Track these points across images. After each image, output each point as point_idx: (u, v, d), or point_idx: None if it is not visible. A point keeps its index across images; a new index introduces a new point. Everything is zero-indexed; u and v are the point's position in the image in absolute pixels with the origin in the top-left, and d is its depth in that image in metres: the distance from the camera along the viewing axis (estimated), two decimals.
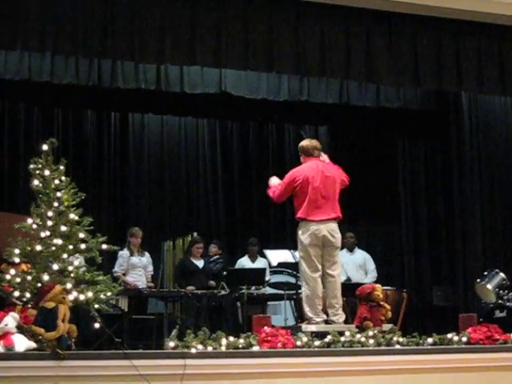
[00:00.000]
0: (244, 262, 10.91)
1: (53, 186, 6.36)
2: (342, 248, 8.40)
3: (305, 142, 8.16)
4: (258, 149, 12.67)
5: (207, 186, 12.34)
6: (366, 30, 9.53)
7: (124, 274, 10.17)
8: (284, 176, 8.01)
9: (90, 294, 6.07)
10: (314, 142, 8.17)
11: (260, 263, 10.77)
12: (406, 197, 12.72)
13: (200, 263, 10.54)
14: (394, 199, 12.73)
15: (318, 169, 7.88)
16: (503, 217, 11.60)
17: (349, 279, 10.51)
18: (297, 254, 8.76)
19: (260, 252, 10.83)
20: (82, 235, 6.32)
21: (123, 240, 10.30)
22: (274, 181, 8.12)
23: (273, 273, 10.73)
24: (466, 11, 9.54)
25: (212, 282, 10.31)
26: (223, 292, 10.08)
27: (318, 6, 9.27)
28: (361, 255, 11.05)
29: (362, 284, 8.75)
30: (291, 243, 9.88)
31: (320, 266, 7.71)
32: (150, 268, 10.50)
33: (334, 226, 7.79)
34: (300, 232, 7.78)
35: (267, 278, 10.49)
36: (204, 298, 10.03)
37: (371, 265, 10.99)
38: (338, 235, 7.82)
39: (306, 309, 7.68)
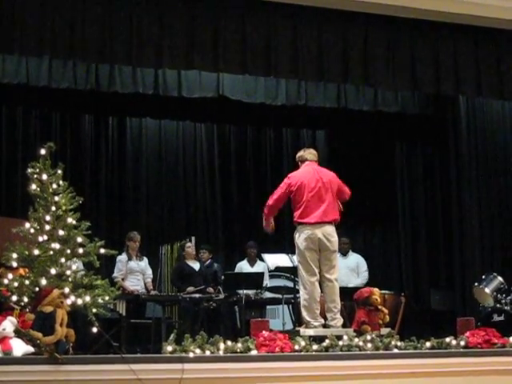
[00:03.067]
0: (243, 266, 10.91)
1: (50, 190, 6.35)
2: None
3: (300, 152, 8.36)
4: (255, 153, 12.66)
5: (205, 190, 12.32)
6: (364, 34, 9.54)
7: (123, 279, 10.16)
8: (280, 181, 8.08)
9: (87, 299, 6.06)
10: (310, 149, 8.43)
11: (259, 267, 10.78)
12: (404, 201, 12.73)
13: (196, 266, 10.56)
14: (391, 203, 12.73)
15: (314, 172, 8.01)
16: (501, 221, 11.60)
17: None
18: (295, 258, 8.78)
19: (258, 256, 10.84)
20: (79, 239, 6.31)
21: (121, 244, 10.31)
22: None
23: (271, 277, 10.73)
24: (463, 15, 9.55)
25: (211, 289, 10.29)
26: (220, 296, 10.07)
27: (315, 11, 9.28)
28: (354, 259, 11.04)
29: (359, 288, 8.75)
30: (289, 247, 9.88)
31: (317, 270, 7.74)
32: (149, 272, 10.50)
33: (331, 229, 7.82)
34: (296, 236, 7.84)
35: (265, 283, 10.49)
36: (202, 303, 10.03)
37: (363, 267, 10.98)
38: (335, 239, 7.84)
39: (304, 313, 7.70)
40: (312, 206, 7.79)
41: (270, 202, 8.01)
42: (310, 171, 8.00)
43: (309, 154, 8.22)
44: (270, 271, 10.50)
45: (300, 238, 7.78)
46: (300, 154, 8.29)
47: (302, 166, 8.15)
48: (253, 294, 10.16)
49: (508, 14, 9.63)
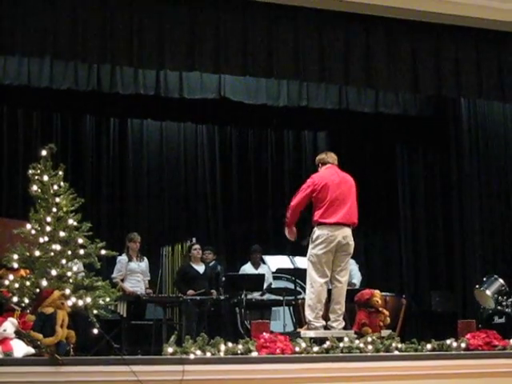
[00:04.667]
0: (247, 269, 10.88)
1: (51, 191, 6.35)
2: None
3: (321, 154, 8.29)
4: (257, 154, 12.67)
5: (206, 192, 12.33)
6: (365, 35, 9.55)
7: (122, 280, 10.16)
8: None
9: (88, 300, 6.05)
10: (331, 153, 8.31)
11: (263, 270, 10.73)
12: (405, 202, 12.72)
13: (201, 268, 10.54)
14: (392, 205, 12.72)
15: (338, 174, 7.99)
16: (502, 223, 11.60)
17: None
18: (296, 259, 8.77)
19: (261, 259, 10.83)
20: (80, 241, 6.31)
21: (122, 245, 10.31)
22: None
23: (272, 278, 10.73)
24: (464, 17, 9.56)
25: (214, 291, 10.29)
26: (221, 297, 10.08)
27: (316, 12, 9.29)
28: None
29: (360, 290, 8.75)
30: (290, 249, 9.87)
31: (329, 273, 7.71)
32: (148, 274, 10.48)
33: (349, 232, 7.80)
34: (315, 236, 7.76)
35: (270, 281, 10.49)
36: (203, 304, 10.03)
37: (353, 268, 10.80)
38: (352, 242, 7.82)
39: (307, 312, 7.68)
40: (335, 207, 7.75)
41: (294, 204, 7.90)
42: (333, 173, 7.98)
43: (330, 157, 8.14)
44: (272, 273, 10.50)
45: (318, 240, 7.71)
46: (322, 156, 8.23)
47: (323, 168, 8.08)
48: (253, 296, 10.16)
49: (509, 15, 9.63)
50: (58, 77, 10.65)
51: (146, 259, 10.49)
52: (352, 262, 10.63)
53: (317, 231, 7.78)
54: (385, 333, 7.55)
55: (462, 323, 7.70)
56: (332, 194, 7.78)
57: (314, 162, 8.34)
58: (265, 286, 10.33)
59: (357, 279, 10.79)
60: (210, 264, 10.83)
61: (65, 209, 6.35)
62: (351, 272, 10.60)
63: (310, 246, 7.81)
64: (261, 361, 6.24)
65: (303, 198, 7.88)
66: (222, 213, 12.34)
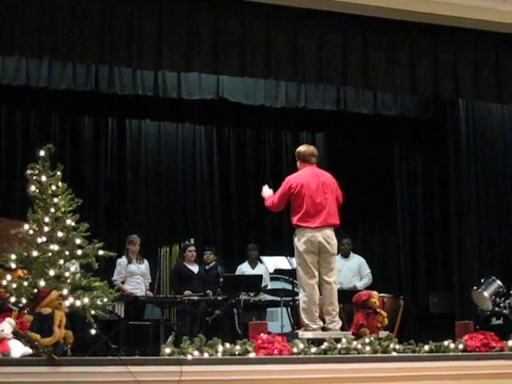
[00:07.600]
0: (244, 269, 10.90)
1: (49, 191, 6.34)
2: (337, 254, 8.36)
3: (302, 148, 8.14)
4: (255, 155, 12.66)
5: (204, 192, 12.32)
6: (363, 36, 9.55)
7: (123, 283, 10.15)
8: (280, 184, 8.00)
9: (86, 300, 6.05)
10: (312, 149, 8.14)
11: (260, 269, 10.73)
12: (403, 204, 12.71)
13: (195, 268, 10.55)
14: (390, 206, 12.72)
15: (314, 175, 7.87)
16: (500, 224, 11.60)
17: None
18: (293, 260, 8.76)
19: (258, 258, 10.83)
20: (78, 241, 6.30)
21: (120, 246, 10.30)
22: (267, 191, 8.11)
23: (269, 279, 10.72)
24: (463, 19, 9.56)
25: (209, 292, 10.28)
26: (219, 298, 10.08)
27: (315, 13, 9.29)
28: (356, 260, 10.94)
29: (358, 291, 8.74)
30: (288, 250, 9.87)
31: (316, 273, 7.70)
32: (148, 276, 10.49)
33: (330, 232, 7.77)
34: (296, 239, 7.77)
35: (266, 283, 10.49)
36: (200, 305, 10.03)
37: (366, 269, 10.89)
38: (334, 242, 7.80)
39: (303, 315, 7.68)
40: (313, 211, 7.70)
41: (272, 206, 7.95)
42: (310, 174, 7.86)
43: (311, 156, 7.99)
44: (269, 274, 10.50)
45: (300, 241, 7.70)
46: (302, 150, 8.05)
47: (302, 167, 7.98)
48: (251, 296, 10.16)
49: (507, 17, 9.64)
50: (57, 77, 10.64)
51: (146, 261, 10.50)
52: (364, 262, 10.74)
53: (298, 234, 7.78)
54: (383, 334, 7.55)
55: (460, 324, 7.70)
56: (308, 199, 7.72)
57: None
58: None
59: (367, 280, 10.81)
60: (211, 265, 10.83)
61: (63, 209, 6.34)
62: (363, 271, 10.70)
63: (295, 249, 7.83)
64: (258, 362, 6.24)
65: (280, 200, 7.88)
66: (219, 213, 12.33)
